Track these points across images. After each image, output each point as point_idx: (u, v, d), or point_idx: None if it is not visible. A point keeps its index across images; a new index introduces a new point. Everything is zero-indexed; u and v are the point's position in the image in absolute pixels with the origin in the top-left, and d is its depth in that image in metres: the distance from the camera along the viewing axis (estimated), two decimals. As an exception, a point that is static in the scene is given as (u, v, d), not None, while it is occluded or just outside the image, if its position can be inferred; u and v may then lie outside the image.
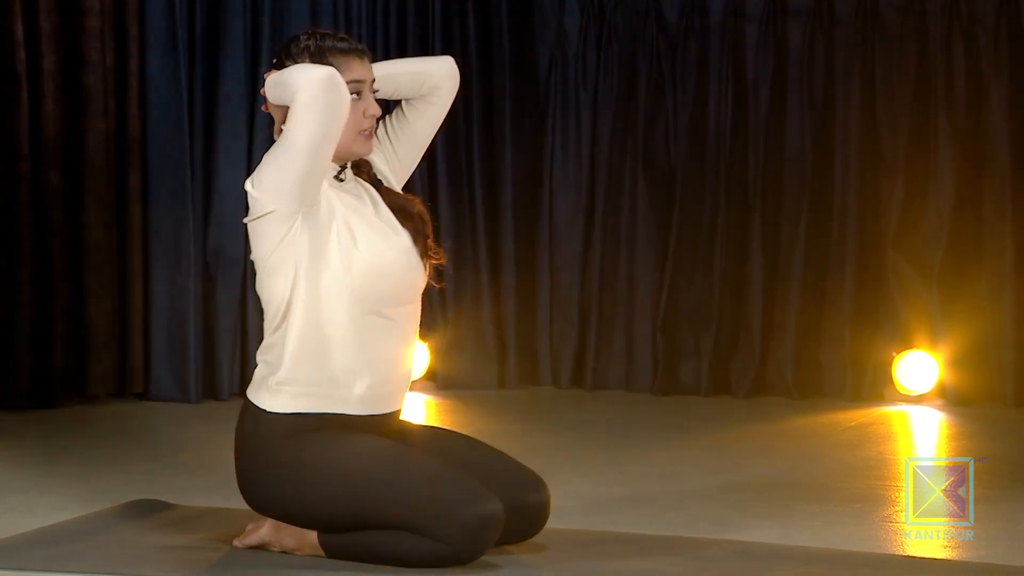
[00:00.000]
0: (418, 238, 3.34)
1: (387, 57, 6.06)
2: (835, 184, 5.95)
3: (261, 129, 5.81)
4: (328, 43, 3.30)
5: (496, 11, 6.23)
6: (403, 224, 3.34)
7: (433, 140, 6.30)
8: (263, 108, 3.38)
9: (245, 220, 3.27)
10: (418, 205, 3.39)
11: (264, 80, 3.32)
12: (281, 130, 3.28)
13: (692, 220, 6.10)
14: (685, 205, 6.10)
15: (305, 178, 3.17)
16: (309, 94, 3.14)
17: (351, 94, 3.26)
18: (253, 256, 3.29)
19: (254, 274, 5.54)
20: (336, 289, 3.23)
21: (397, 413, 3.38)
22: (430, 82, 3.46)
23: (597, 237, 6.23)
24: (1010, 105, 5.78)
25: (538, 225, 6.30)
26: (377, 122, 3.38)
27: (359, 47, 3.33)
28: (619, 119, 6.18)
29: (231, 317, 5.84)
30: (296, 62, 3.28)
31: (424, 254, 3.34)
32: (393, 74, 3.43)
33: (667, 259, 6.12)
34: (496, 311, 6.26)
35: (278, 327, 3.26)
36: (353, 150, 3.32)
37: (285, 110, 3.25)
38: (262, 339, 3.33)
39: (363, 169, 3.40)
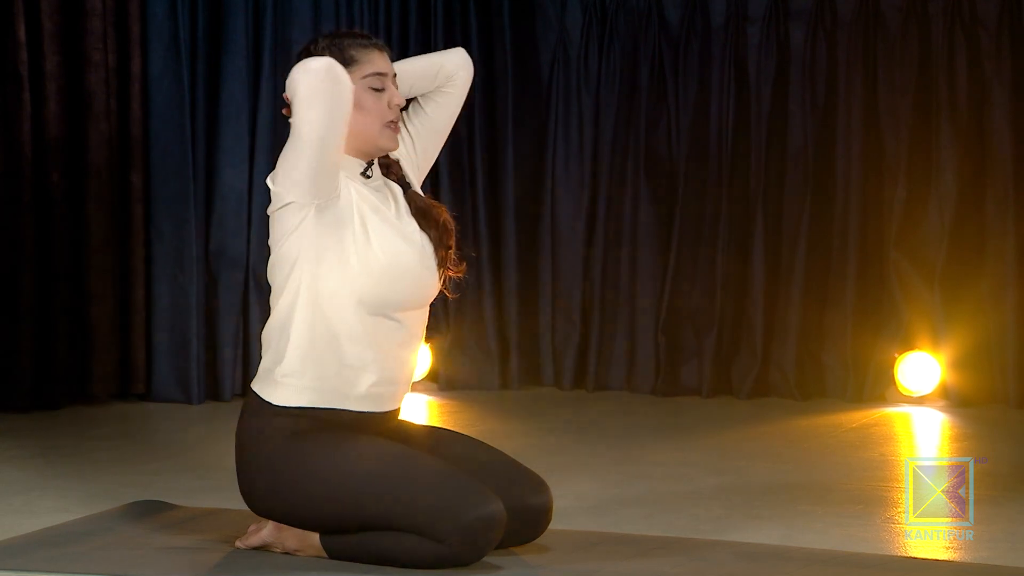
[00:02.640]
0: (439, 247, 3.33)
1: (389, 57, 6.07)
2: (837, 185, 5.95)
3: (263, 130, 5.81)
4: (347, 40, 3.32)
5: (498, 11, 6.24)
6: (425, 230, 3.33)
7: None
8: (284, 112, 3.35)
9: (268, 211, 3.30)
10: (444, 213, 3.38)
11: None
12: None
13: (694, 221, 6.10)
14: (687, 206, 6.10)
15: (316, 169, 3.18)
16: (308, 86, 3.15)
17: (375, 88, 3.29)
18: (269, 245, 3.31)
19: (256, 275, 5.56)
20: (347, 287, 3.24)
21: (396, 412, 3.38)
22: (444, 72, 3.48)
23: (599, 237, 6.23)
24: (1012, 106, 5.78)
25: (540, 225, 6.30)
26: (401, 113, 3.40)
27: (378, 42, 3.36)
28: (621, 119, 6.18)
29: (233, 318, 5.84)
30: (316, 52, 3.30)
31: (442, 263, 3.34)
32: (407, 71, 3.45)
33: (669, 260, 6.12)
34: (498, 312, 6.26)
35: (286, 318, 3.27)
36: (379, 144, 3.32)
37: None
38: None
39: (392, 169, 3.40)
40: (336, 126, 3.18)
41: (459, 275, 3.39)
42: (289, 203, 3.22)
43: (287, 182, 3.20)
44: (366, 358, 3.26)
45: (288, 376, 3.25)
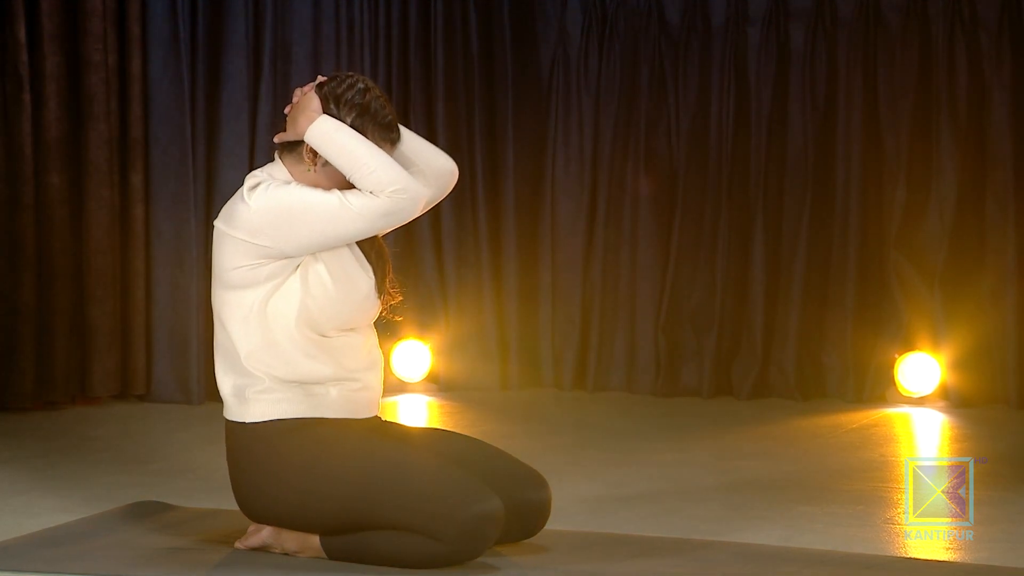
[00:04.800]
0: (378, 273, 3.33)
1: (389, 57, 6.08)
2: (837, 185, 5.95)
3: (263, 130, 5.81)
4: (374, 115, 3.25)
5: (498, 11, 6.23)
6: (367, 257, 3.33)
7: (436, 140, 6.32)
8: (286, 111, 3.33)
9: (219, 224, 3.24)
10: (379, 241, 3.38)
11: (296, 95, 3.30)
12: (286, 143, 3.27)
13: (694, 221, 6.10)
14: (687, 206, 6.10)
15: (326, 248, 3.20)
16: (395, 206, 3.15)
17: None
18: (214, 261, 3.26)
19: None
20: (290, 314, 3.22)
21: (375, 418, 3.38)
22: (440, 183, 3.40)
23: (599, 238, 6.23)
24: (1012, 106, 5.78)
25: (540, 225, 6.30)
26: None
27: (395, 134, 3.29)
28: (621, 119, 6.18)
29: (233, 318, 5.83)
30: (340, 111, 3.22)
31: (382, 289, 3.34)
32: (418, 151, 3.37)
33: (669, 260, 6.12)
34: (498, 312, 6.26)
35: (236, 343, 3.24)
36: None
37: (308, 140, 3.23)
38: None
39: None
40: (370, 234, 3.21)
41: (398, 300, 3.38)
42: (261, 245, 3.18)
43: (278, 236, 3.16)
44: (324, 373, 3.26)
45: (261, 392, 3.25)
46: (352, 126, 3.22)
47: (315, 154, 3.24)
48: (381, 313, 3.37)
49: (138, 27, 5.72)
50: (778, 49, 6.01)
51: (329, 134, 3.20)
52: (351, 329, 3.31)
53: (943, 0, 5.82)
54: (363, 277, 3.30)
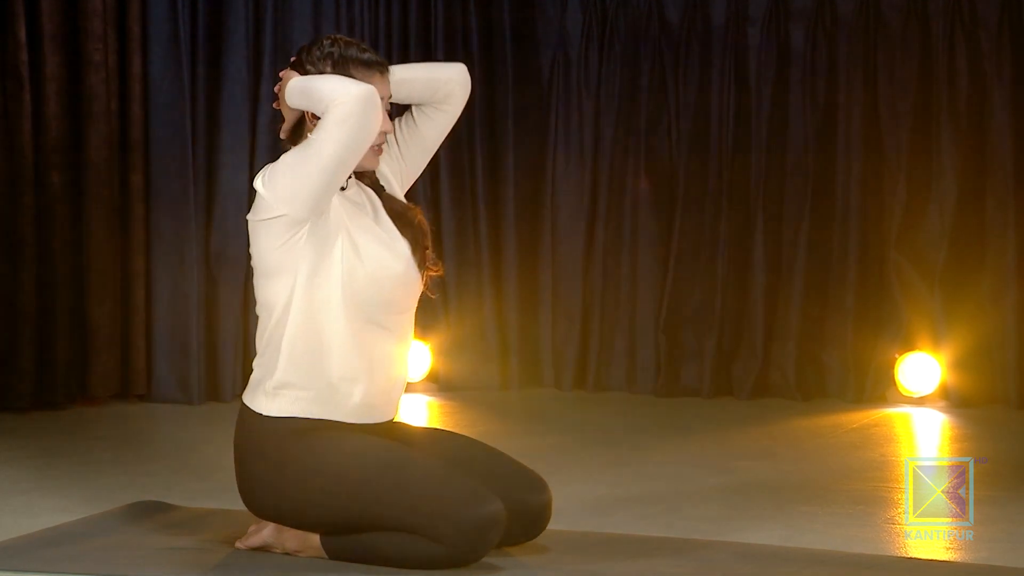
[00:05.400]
0: (416, 248, 3.34)
1: (389, 57, 6.07)
2: (837, 185, 5.95)
3: (263, 130, 5.82)
4: (352, 52, 3.29)
5: (498, 11, 6.24)
6: (402, 232, 3.34)
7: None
8: (275, 105, 3.38)
9: (249, 217, 3.27)
10: (419, 215, 3.39)
11: (280, 77, 3.33)
12: (289, 131, 3.29)
13: (694, 221, 6.10)
14: (687, 206, 6.10)
15: (323, 191, 3.17)
16: (345, 110, 3.14)
17: None
18: (252, 254, 3.29)
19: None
20: (335, 298, 3.23)
21: (391, 422, 3.38)
22: (444, 90, 3.43)
23: (599, 238, 6.23)
24: (1012, 106, 5.78)
25: (540, 226, 6.30)
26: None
27: (381, 61, 3.32)
28: (621, 120, 6.18)
29: (233, 318, 5.84)
30: (317, 67, 3.27)
31: (422, 264, 3.34)
32: (408, 79, 3.41)
33: (669, 260, 6.12)
34: (498, 312, 6.26)
35: (275, 330, 3.26)
36: (362, 164, 3.32)
37: (299, 112, 3.27)
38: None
39: (365, 173, 3.39)
40: (358, 154, 3.18)
41: (438, 273, 3.40)
42: (278, 216, 3.20)
43: (286, 196, 3.18)
44: (357, 368, 3.26)
45: (280, 388, 3.25)
46: (332, 62, 3.26)
47: (314, 119, 3.26)
48: (424, 288, 3.37)
49: (138, 27, 5.72)
50: (778, 49, 6.01)
51: (298, 85, 3.24)
52: (395, 313, 3.30)
53: (943, 0, 5.82)
54: (396, 251, 3.29)
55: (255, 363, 3.31)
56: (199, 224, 5.80)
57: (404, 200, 3.44)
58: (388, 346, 3.30)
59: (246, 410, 3.29)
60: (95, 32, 5.60)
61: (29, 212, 5.47)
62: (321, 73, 3.26)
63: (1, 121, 5.44)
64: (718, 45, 6.07)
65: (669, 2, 6.13)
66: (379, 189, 3.40)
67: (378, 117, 3.18)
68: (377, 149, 3.32)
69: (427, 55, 6.15)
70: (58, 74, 5.53)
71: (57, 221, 5.54)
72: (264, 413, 3.25)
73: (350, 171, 3.22)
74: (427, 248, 3.36)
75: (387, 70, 3.33)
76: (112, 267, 5.69)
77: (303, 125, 3.30)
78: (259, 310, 3.31)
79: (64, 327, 5.56)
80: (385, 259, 3.27)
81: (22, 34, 5.42)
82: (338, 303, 3.23)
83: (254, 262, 3.29)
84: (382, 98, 3.27)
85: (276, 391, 3.25)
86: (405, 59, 6.14)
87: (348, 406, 3.27)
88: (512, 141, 6.25)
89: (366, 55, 3.30)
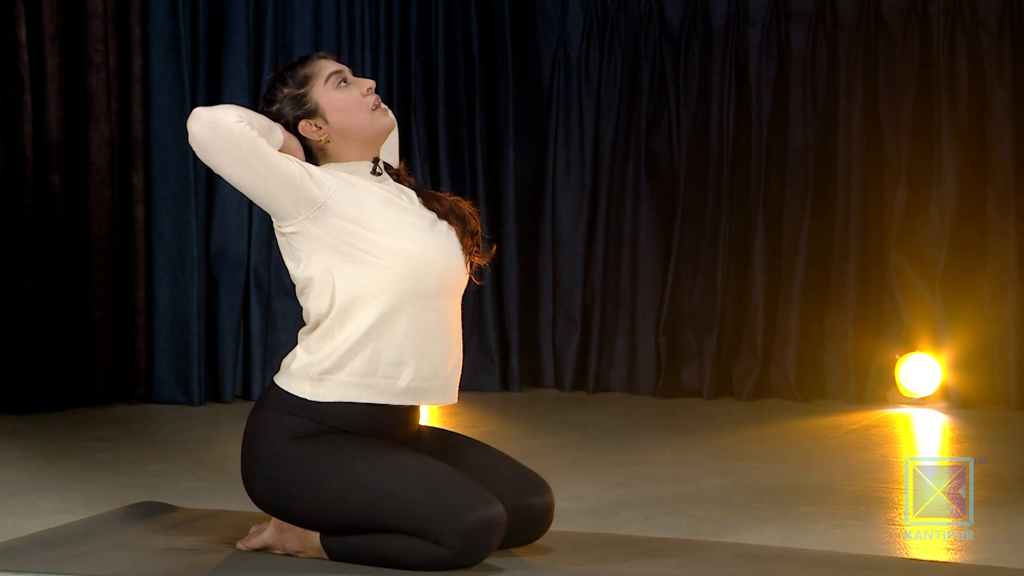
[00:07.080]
0: (464, 235, 3.38)
1: (390, 58, 6.09)
2: (838, 186, 5.95)
3: (264, 131, 5.81)
4: (292, 67, 3.38)
5: (499, 12, 6.24)
6: (446, 219, 3.38)
7: (437, 141, 6.33)
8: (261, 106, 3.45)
9: (276, 229, 3.36)
10: (467, 206, 3.43)
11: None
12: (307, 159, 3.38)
13: (695, 222, 6.11)
14: (688, 207, 6.11)
15: (270, 194, 3.27)
16: (197, 142, 3.27)
17: (342, 83, 3.34)
18: (287, 264, 3.36)
19: (257, 276, 5.57)
20: (379, 282, 3.25)
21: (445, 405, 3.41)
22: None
23: (600, 239, 6.23)
24: (1013, 107, 5.78)
25: (541, 226, 6.31)
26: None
27: (318, 52, 3.43)
28: (622, 120, 6.19)
29: (234, 319, 5.84)
30: (271, 107, 3.37)
31: (468, 250, 3.38)
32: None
33: (670, 261, 6.12)
34: (498, 312, 6.26)
35: (318, 322, 3.29)
36: (376, 128, 3.36)
37: (299, 143, 3.37)
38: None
39: (403, 178, 3.45)
40: (250, 159, 3.25)
41: (482, 261, 3.44)
42: (289, 232, 3.27)
43: (279, 213, 3.28)
44: (405, 352, 3.27)
45: (327, 373, 3.26)
46: (284, 85, 3.35)
47: (318, 128, 3.34)
48: (470, 274, 3.41)
49: (139, 28, 5.72)
50: (778, 50, 6.01)
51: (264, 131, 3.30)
52: (441, 298, 3.31)
53: (943, 0, 5.82)
54: (439, 237, 3.32)
55: (300, 347, 3.31)
56: (199, 224, 5.80)
57: (449, 195, 3.48)
58: (436, 331, 3.31)
59: (276, 391, 3.29)
60: (96, 33, 5.60)
61: (29, 213, 5.48)
62: (272, 113, 3.36)
63: (1, 122, 5.44)
64: (718, 45, 6.07)
65: (669, 2, 6.13)
66: (418, 189, 3.44)
67: (230, 128, 3.21)
68: (377, 106, 3.37)
69: (427, 55, 6.16)
70: (59, 75, 5.54)
71: (57, 222, 5.54)
72: (308, 398, 3.26)
73: (273, 163, 3.24)
74: (476, 233, 3.41)
75: (326, 55, 3.40)
76: (113, 268, 5.69)
77: (311, 153, 3.38)
78: (305, 314, 3.34)
79: (65, 328, 5.56)
80: (424, 240, 3.29)
81: (23, 34, 5.42)
82: (382, 289, 3.25)
83: (290, 267, 3.32)
84: (342, 70, 3.36)
85: (321, 376, 3.26)
86: (405, 59, 6.15)
87: (394, 389, 3.27)
88: (512, 141, 6.25)
89: (302, 59, 3.39)
